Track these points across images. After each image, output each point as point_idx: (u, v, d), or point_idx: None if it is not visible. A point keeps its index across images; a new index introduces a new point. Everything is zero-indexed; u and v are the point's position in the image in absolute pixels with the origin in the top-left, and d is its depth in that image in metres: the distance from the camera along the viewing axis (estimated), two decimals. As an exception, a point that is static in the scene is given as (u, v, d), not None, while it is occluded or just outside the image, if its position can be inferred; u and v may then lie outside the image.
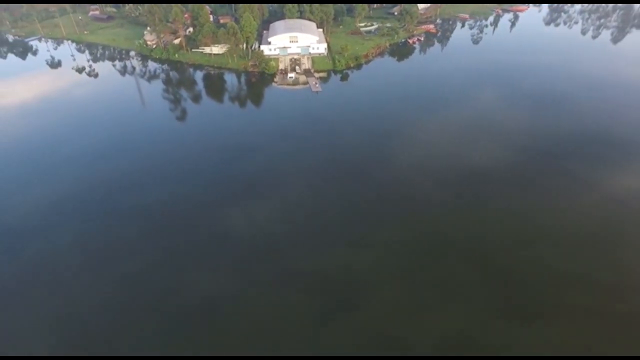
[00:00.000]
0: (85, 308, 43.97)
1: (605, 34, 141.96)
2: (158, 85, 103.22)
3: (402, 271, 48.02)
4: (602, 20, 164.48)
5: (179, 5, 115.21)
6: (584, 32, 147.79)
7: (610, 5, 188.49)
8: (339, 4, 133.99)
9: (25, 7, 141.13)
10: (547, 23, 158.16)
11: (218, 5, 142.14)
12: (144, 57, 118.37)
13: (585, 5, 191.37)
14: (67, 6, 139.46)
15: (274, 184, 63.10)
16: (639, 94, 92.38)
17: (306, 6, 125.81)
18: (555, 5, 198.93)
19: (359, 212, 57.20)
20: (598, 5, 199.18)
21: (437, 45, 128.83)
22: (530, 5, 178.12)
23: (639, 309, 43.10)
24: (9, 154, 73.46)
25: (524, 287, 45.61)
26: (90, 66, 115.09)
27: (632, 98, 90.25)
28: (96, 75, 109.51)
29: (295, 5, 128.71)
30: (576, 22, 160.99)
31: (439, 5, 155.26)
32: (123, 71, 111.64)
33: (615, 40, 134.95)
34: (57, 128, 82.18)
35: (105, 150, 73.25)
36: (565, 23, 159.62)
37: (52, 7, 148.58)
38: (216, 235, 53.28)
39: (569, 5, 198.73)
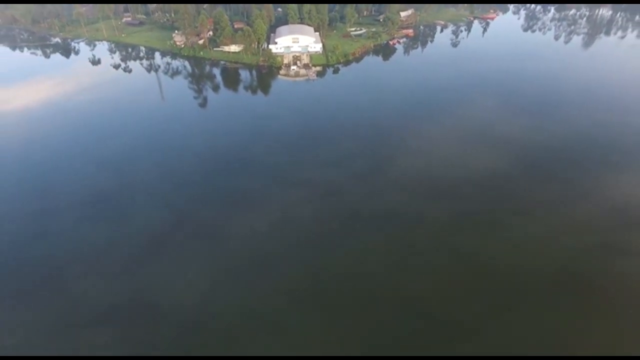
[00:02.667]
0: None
1: (550, 35, 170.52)
2: (187, 76, 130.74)
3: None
4: (556, 23, 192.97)
5: (204, 11, 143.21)
6: (527, 29, 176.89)
7: (578, 13, 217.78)
8: (334, 13, 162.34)
9: (74, 13, 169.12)
10: (508, 27, 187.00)
11: (233, 13, 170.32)
12: (174, 55, 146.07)
13: (552, 12, 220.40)
14: (105, 6, 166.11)
15: (285, 133, 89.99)
16: (614, 96, 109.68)
17: (306, 14, 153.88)
18: (525, 11, 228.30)
19: (333, 131, 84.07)
20: (566, 12, 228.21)
21: (412, 45, 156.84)
22: (499, 12, 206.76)
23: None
24: (86, 128, 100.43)
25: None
26: (126, 63, 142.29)
27: (607, 99, 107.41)
28: (130, 71, 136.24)
29: (297, 13, 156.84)
30: (536, 25, 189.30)
31: (418, 13, 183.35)
32: (156, 66, 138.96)
33: (581, 44, 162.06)
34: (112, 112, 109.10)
35: (169, 121, 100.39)
36: (530, 29, 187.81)
37: (90, 14, 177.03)
38: (257, 153, 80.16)
39: (540, 12, 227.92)
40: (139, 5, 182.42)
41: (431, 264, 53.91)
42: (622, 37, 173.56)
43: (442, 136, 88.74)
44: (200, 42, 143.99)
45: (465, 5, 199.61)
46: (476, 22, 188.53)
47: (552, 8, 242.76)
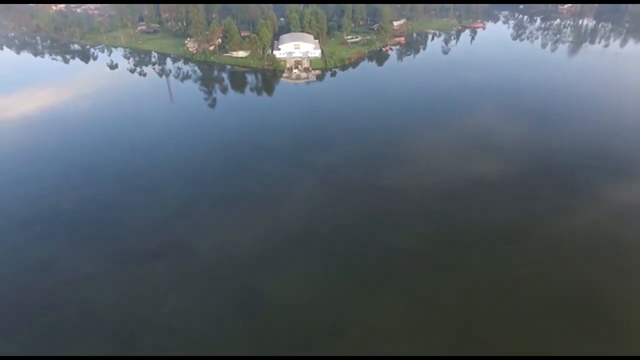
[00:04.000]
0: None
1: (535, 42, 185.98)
2: (199, 78, 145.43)
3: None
4: (539, 32, 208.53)
5: (214, 21, 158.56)
6: (515, 37, 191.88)
7: (562, 23, 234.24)
8: (332, 22, 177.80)
9: (95, 22, 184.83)
10: (495, 35, 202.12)
11: (240, 22, 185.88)
12: (186, 59, 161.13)
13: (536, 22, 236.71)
14: (124, 16, 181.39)
15: (288, 125, 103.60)
16: (600, 102, 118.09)
17: (306, 23, 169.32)
18: (513, 21, 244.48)
19: (330, 123, 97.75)
20: (551, 22, 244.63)
21: (403, 51, 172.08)
22: (485, 22, 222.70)
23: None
24: (105, 124, 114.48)
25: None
26: (141, 67, 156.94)
27: (593, 105, 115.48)
28: (145, 75, 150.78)
29: (298, 22, 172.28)
30: (524, 35, 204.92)
31: (410, 22, 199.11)
32: (170, 70, 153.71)
33: (567, 52, 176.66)
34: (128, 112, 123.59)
35: (190, 114, 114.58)
36: (519, 37, 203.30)
37: (108, 23, 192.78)
38: (268, 137, 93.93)
39: (527, 22, 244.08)
40: (153, 15, 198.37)
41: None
42: (606, 46, 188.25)
43: (423, 122, 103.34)
44: (211, 48, 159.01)
45: (454, 15, 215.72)
46: (462, 29, 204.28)
47: (537, 18, 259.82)
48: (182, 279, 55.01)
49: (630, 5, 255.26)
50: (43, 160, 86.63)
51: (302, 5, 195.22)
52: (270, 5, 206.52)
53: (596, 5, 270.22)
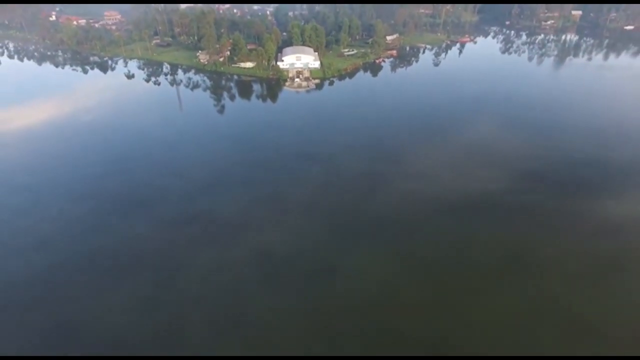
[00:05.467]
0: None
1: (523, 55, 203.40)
2: (211, 86, 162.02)
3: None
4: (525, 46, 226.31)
5: (224, 35, 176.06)
6: (504, 51, 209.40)
7: (546, 37, 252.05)
8: (330, 37, 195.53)
9: (115, 35, 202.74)
10: (483, 48, 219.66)
11: (246, 36, 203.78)
12: (198, 70, 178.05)
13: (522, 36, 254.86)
14: (141, 30, 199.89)
15: (290, 126, 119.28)
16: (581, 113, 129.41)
17: (307, 37, 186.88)
18: (501, 36, 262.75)
19: (327, 123, 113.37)
20: (535, 37, 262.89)
21: (395, 63, 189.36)
22: (472, 37, 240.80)
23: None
24: (126, 133, 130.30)
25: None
26: (157, 77, 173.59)
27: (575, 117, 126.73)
28: (159, 84, 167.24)
29: (300, 36, 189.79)
30: (512, 48, 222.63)
31: (402, 37, 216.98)
32: (181, 80, 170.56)
33: (552, 64, 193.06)
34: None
35: (206, 117, 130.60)
36: (507, 51, 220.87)
37: (125, 36, 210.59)
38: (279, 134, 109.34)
39: (513, 36, 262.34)
40: (167, 29, 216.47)
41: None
42: (589, 59, 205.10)
43: (409, 120, 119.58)
44: (221, 59, 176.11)
45: (444, 30, 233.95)
46: (450, 43, 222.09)
47: (523, 34, 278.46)
48: (210, 237, 70.10)
49: (607, 21, 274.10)
50: (85, 153, 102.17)
51: (302, 21, 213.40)
52: (274, 21, 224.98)
53: (577, 20, 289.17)
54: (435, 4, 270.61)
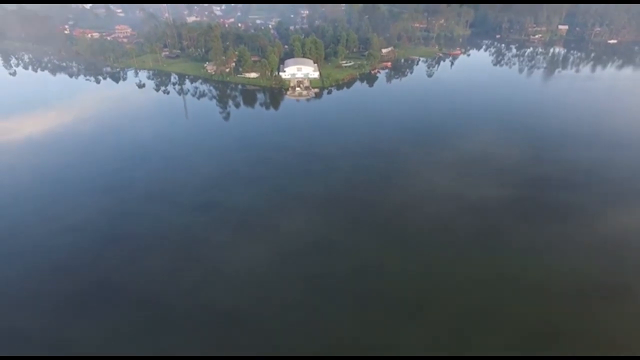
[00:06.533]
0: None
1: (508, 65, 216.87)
2: (218, 94, 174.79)
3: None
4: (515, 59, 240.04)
5: (231, 48, 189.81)
6: (495, 63, 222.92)
7: (535, 50, 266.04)
8: (329, 49, 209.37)
9: (127, 48, 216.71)
10: (474, 61, 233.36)
11: (251, 48, 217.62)
12: (205, 80, 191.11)
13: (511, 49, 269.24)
14: (153, 42, 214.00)
15: (292, 129, 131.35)
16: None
17: (307, 50, 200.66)
18: (493, 49, 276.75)
19: (325, 127, 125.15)
20: (524, 49, 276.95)
21: (390, 74, 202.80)
22: (463, 50, 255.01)
23: None
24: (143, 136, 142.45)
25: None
26: (166, 86, 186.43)
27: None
28: (168, 93, 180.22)
29: (300, 49, 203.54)
30: (503, 60, 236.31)
31: (397, 49, 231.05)
32: (187, 89, 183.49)
33: (541, 76, 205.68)
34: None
35: (217, 122, 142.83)
36: (499, 63, 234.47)
37: (137, 48, 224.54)
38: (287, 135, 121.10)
39: (504, 49, 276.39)
40: (175, 42, 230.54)
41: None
42: (577, 71, 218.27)
43: (399, 123, 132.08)
44: (227, 70, 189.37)
45: (436, 44, 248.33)
46: (442, 56, 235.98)
47: (513, 47, 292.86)
48: (223, 218, 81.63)
49: (593, 34, 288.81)
50: (110, 151, 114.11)
51: (303, 35, 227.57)
52: (276, 35, 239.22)
53: (564, 34, 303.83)
54: (429, 19, 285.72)
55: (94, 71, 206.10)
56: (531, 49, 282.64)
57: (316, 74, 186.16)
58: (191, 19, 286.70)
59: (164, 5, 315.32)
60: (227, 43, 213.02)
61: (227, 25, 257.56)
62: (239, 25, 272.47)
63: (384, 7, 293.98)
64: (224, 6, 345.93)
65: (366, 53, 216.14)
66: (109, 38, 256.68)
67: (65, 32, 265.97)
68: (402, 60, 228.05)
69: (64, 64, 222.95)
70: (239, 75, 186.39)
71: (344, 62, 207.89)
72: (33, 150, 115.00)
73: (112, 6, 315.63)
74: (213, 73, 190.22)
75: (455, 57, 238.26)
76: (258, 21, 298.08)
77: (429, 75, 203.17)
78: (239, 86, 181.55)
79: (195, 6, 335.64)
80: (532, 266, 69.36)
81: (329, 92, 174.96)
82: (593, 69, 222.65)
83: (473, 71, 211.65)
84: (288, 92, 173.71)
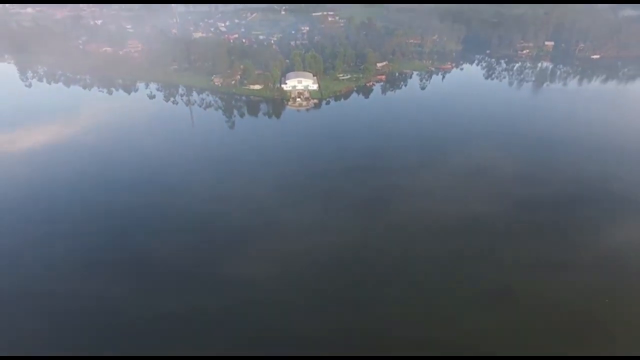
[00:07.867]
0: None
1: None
2: (225, 105, 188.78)
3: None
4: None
5: (236, 61, 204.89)
6: (487, 77, 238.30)
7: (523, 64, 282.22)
8: (327, 63, 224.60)
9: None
10: (463, 75, 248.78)
11: (255, 62, 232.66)
12: (213, 91, 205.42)
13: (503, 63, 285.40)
14: (161, 56, 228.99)
15: (293, 135, 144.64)
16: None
17: (307, 64, 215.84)
18: (484, 63, 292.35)
19: (323, 134, 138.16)
20: (513, 64, 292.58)
21: (384, 86, 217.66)
22: (454, 64, 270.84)
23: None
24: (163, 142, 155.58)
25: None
26: (174, 97, 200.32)
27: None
28: (177, 103, 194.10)
29: (301, 63, 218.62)
30: (494, 74, 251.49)
31: (391, 64, 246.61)
32: (194, 100, 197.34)
33: (530, 90, 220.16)
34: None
35: (227, 128, 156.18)
36: (490, 77, 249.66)
37: (147, 62, 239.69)
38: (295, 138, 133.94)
39: (494, 63, 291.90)
40: (184, 56, 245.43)
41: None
42: (565, 85, 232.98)
43: (389, 127, 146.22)
44: (233, 82, 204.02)
45: (428, 58, 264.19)
46: (434, 70, 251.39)
47: (502, 61, 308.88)
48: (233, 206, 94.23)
49: (577, 50, 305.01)
50: (122, 155, 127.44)
51: (303, 50, 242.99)
52: (278, 50, 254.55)
53: (551, 50, 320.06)
54: (422, 35, 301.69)
55: (107, 83, 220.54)
56: (519, 63, 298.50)
57: (315, 86, 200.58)
58: (197, 35, 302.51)
59: (172, 21, 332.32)
60: (232, 57, 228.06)
61: (231, 41, 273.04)
62: (243, 40, 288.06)
63: (380, 24, 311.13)
64: (228, 22, 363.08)
65: (362, 67, 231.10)
66: (120, 52, 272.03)
67: (80, 46, 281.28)
68: (396, 74, 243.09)
69: (78, 77, 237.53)
70: (243, 87, 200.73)
71: (342, 75, 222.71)
72: (75, 154, 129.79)
73: (121, 22, 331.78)
74: (220, 85, 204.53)
75: (446, 71, 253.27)
76: (261, 37, 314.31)
77: (422, 88, 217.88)
78: (244, 97, 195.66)
79: (201, 22, 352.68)
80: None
81: (327, 103, 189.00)
82: (579, 83, 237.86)
83: (463, 84, 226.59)
84: (289, 103, 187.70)
